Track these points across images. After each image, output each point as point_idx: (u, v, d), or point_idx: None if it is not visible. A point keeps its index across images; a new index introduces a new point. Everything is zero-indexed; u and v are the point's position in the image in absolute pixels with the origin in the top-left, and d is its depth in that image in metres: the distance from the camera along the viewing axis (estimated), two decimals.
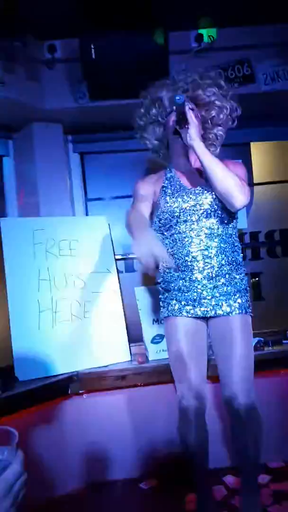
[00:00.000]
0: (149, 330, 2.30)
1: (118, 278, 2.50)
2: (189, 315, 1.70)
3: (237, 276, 1.72)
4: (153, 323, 2.30)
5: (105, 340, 2.32)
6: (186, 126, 1.63)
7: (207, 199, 1.70)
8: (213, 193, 1.69)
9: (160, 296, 1.82)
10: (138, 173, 2.86)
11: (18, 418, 1.94)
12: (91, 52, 2.19)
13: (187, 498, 1.95)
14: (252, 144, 2.90)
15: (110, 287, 2.43)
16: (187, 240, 1.70)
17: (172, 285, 1.73)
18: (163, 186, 1.80)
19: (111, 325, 2.36)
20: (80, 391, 2.17)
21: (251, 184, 2.82)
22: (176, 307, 1.71)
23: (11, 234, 2.30)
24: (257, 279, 2.92)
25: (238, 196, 1.60)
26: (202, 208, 1.70)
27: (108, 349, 2.30)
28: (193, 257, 1.68)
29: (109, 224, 2.59)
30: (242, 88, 2.44)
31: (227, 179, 1.60)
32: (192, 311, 1.69)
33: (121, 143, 2.85)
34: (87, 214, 2.88)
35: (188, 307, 1.69)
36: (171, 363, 1.76)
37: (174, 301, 1.72)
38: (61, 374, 2.15)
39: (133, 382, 2.19)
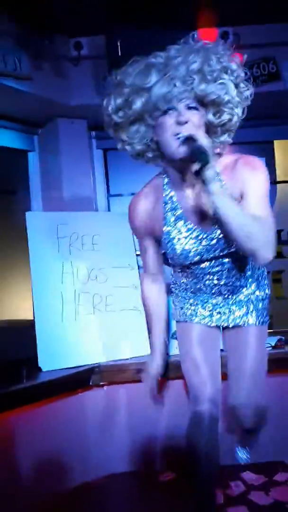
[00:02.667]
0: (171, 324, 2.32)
1: (139, 273, 2.52)
2: (202, 323, 1.58)
3: (258, 293, 1.57)
4: (173, 318, 2.31)
5: (126, 333, 2.35)
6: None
7: (221, 239, 1.36)
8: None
9: (173, 298, 1.69)
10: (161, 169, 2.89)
11: (40, 407, 1.99)
12: (117, 48, 2.22)
13: None
14: (276, 142, 2.89)
15: (131, 282, 2.46)
16: (202, 278, 1.49)
17: (183, 294, 1.62)
18: (164, 219, 1.41)
19: (132, 319, 2.39)
20: (101, 383, 2.21)
21: (274, 182, 2.81)
22: (189, 313, 1.59)
23: (36, 228, 2.35)
24: (278, 277, 2.92)
25: (264, 255, 1.23)
26: (217, 248, 1.39)
27: (129, 343, 2.33)
28: (209, 287, 1.52)
29: None
30: (267, 85, 2.44)
31: (252, 236, 1.20)
32: (205, 320, 1.57)
33: None
34: (109, 210, 2.92)
35: (200, 316, 1.58)
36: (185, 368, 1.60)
37: (187, 305, 1.60)
38: (83, 366, 2.19)
39: None
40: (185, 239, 1.41)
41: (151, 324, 1.63)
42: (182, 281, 1.61)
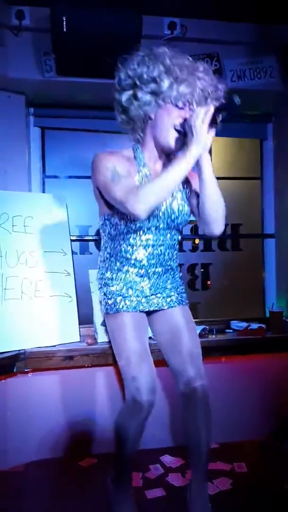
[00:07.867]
0: (100, 312, 2.32)
1: (72, 259, 2.48)
2: (135, 310, 1.68)
3: (174, 278, 1.77)
4: (102, 311, 2.31)
5: (55, 320, 2.30)
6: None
7: (184, 209, 1.66)
8: (187, 202, 1.67)
9: (103, 291, 1.73)
10: None
11: None
12: (62, 24, 2.11)
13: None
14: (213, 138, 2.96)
15: (63, 268, 2.41)
16: (144, 249, 1.65)
17: (115, 282, 1.70)
18: (138, 172, 1.61)
19: (62, 306, 2.35)
20: (26, 370, 2.16)
21: None
22: (123, 303, 1.67)
23: None
24: (205, 269, 3.04)
25: (222, 225, 1.60)
26: (173, 217, 1.64)
27: (57, 329, 2.30)
28: (142, 265, 1.67)
29: (66, 204, 2.54)
30: None
31: (221, 204, 1.55)
32: (138, 306, 1.69)
33: (85, 121, 2.80)
34: (43, 191, 2.82)
35: (133, 303, 1.68)
36: (124, 360, 1.65)
37: (119, 297, 1.68)
38: (7, 352, 2.12)
39: (80, 363, 2.20)
40: None
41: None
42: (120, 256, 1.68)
